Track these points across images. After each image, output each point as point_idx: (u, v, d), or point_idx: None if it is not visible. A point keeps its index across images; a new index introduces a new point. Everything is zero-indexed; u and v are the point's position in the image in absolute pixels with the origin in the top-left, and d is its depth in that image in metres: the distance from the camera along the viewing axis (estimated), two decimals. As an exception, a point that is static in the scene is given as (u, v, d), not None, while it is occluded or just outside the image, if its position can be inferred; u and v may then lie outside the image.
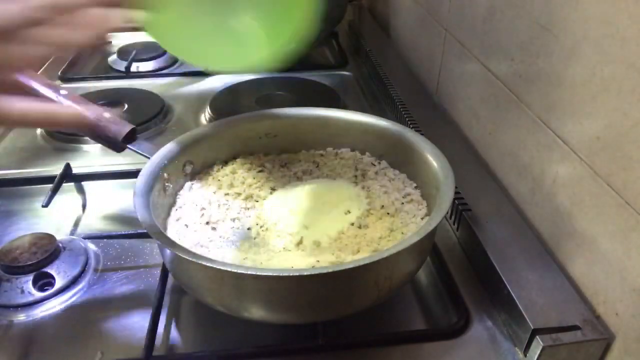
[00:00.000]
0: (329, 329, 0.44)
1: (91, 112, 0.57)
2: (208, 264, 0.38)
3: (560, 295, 0.45)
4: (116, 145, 0.57)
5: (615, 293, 0.42)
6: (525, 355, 0.43)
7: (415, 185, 0.54)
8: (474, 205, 0.55)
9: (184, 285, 0.45)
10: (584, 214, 0.45)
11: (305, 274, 0.38)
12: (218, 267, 0.38)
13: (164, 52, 1.04)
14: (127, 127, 0.57)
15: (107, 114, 0.58)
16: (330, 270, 0.38)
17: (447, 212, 0.52)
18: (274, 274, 0.39)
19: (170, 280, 0.50)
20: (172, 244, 0.41)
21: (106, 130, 0.57)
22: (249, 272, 0.38)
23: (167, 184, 0.51)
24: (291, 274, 0.38)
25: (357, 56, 1.05)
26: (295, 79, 0.93)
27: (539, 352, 0.41)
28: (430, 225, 0.42)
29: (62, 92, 0.57)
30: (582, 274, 0.46)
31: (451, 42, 0.73)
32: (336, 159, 0.59)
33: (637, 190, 0.39)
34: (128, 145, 0.57)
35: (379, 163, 0.57)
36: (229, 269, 0.38)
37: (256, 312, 0.42)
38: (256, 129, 0.59)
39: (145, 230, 0.41)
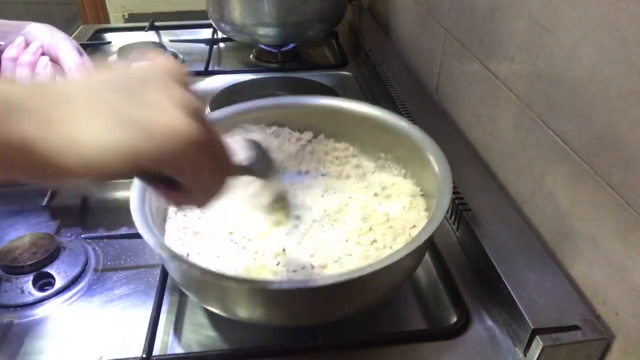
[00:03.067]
0: (329, 329, 0.44)
1: None
2: (209, 276, 0.38)
3: (560, 295, 0.45)
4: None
5: (615, 293, 0.42)
6: (525, 355, 0.43)
7: (415, 184, 0.54)
8: (474, 205, 0.55)
9: (183, 287, 0.45)
10: (584, 214, 0.45)
11: (307, 285, 0.38)
12: (216, 275, 0.38)
13: (164, 52, 1.04)
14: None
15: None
16: (330, 281, 0.38)
17: (447, 212, 0.52)
18: (275, 287, 0.38)
19: (170, 280, 0.50)
20: (164, 247, 0.41)
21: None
22: (247, 280, 0.38)
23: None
24: (291, 287, 0.39)
25: (357, 56, 1.05)
26: (295, 79, 0.93)
27: (539, 352, 0.41)
28: (430, 225, 0.42)
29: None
30: (582, 274, 0.46)
31: (451, 42, 0.73)
32: (336, 158, 0.59)
33: (637, 190, 0.39)
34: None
35: (378, 162, 0.57)
36: (228, 276, 0.38)
37: (256, 318, 0.42)
38: (264, 118, 0.59)
39: (145, 230, 0.41)
